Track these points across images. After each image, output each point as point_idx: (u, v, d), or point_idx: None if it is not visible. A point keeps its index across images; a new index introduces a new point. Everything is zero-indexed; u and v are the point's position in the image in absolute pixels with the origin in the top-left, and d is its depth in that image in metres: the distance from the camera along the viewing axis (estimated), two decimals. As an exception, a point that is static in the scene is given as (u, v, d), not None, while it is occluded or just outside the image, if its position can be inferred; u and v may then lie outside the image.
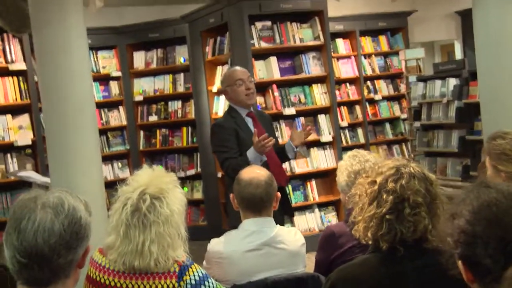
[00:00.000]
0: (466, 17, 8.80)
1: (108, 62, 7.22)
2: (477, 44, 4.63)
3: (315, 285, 2.49)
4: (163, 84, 7.24)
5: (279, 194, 2.66)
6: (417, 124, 7.19)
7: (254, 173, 2.64)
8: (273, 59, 6.04)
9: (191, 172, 7.08)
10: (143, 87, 7.28)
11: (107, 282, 2.28)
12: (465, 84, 6.32)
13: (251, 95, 3.95)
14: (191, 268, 2.29)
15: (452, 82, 6.60)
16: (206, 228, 6.56)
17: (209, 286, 2.27)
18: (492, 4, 4.41)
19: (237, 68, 4.16)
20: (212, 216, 6.68)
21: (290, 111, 5.99)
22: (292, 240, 2.60)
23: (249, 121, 3.97)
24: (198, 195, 7.05)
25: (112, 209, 2.37)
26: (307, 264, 2.74)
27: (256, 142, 3.68)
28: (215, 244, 2.60)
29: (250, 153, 3.74)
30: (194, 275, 2.26)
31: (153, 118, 7.25)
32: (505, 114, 4.37)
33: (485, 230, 1.23)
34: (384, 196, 1.80)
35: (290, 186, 5.95)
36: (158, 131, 7.26)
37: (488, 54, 4.50)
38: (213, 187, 6.61)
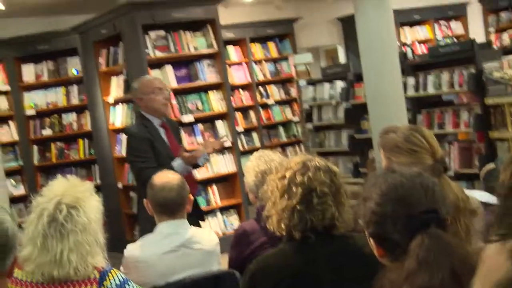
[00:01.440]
0: (347, 23, 9.33)
1: (-6, 76, 6.94)
2: (361, 48, 4.99)
3: (232, 281, 2.62)
4: (56, 96, 7.07)
5: (191, 196, 2.77)
6: (309, 125, 7.52)
7: (167, 177, 2.72)
8: (168, 68, 6.10)
9: (90, 184, 6.95)
10: (35, 100, 7.06)
11: (27, 295, 2.27)
12: (351, 86, 6.72)
13: (167, 105, 3.98)
14: (111, 273, 2.33)
15: (339, 84, 6.99)
16: (108, 240, 6.45)
17: (130, 289, 2.33)
18: (371, 10, 4.77)
19: (153, 77, 4.20)
20: (114, 227, 6.60)
21: (188, 118, 6.08)
22: (207, 240, 2.71)
23: (162, 131, 3.98)
24: (98, 207, 6.93)
25: (27, 220, 2.37)
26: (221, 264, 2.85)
27: (188, 156, 3.78)
28: (132, 249, 2.65)
29: (179, 165, 3.78)
30: (114, 280, 2.31)
31: (47, 132, 7.05)
32: (389, 112, 4.75)
33: (393, 209, 1.41)
34: (294, 189, 1.96)
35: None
36: (53, 144, 7.07)
37: (371, 57, 4.87)
38: (114, 198, 6.55)
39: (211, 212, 6.25)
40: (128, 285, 2.35)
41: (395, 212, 1.41)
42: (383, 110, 4.83)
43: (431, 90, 5.92)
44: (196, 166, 4.09)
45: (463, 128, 5.73)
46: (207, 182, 6.28)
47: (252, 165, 2.87)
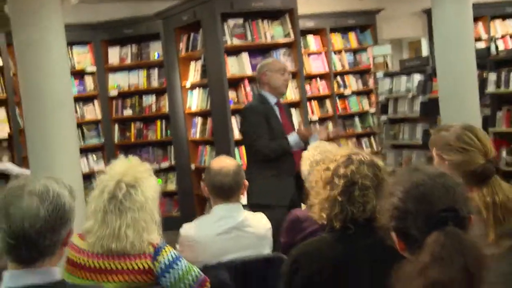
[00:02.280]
0: (431, 15, 9.09)
1: (82, 57, 7.34)
2: (436, 42, 4.90)
3: (280, 265, 2.70)
4: (138, 79, 7.40)
5: (246, 182, 2.87)
6: (384, 118, 7.45)
7: (224, 162, 2.84)
8: (245, 56, 6.22)
9: (165, 164, 7.25)
10: (118, 82, 7.42)
11: (87, 263, 2.46)
12: (429, 79, 6.59)
13: (287, 85, 4.36)
14: (165, 249, 2.49)
15: (417, 78, 6.87)
16: (179, 219, 6.72)
17: (181, 266, 2.47)
18: (449, 3, 4.66)
19: (280, 59, 4.49)
20: (186, 207, 6.86)
21: (261, 105, 6.19)
22: (259, 224, 2.82)
23: (277, 110, 4.30)
24: (171, 186, 7.23)
25: (90, 196, 2.56)
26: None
27: (304, 132, 4.13)
28: (188, 229, 2.80)
29: (294, 139, 4.09)
30: (167, 256, 2.47)
31: (128, 112, 7.40)
32: (462, 109, 4.65)
33: (414, 206, 1.46)
34: (337, 180, 2.02)
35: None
36: (132, 124, 7.42)
37: (447, 52, 4.77)
38: (187, 179, 6.80)
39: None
40: (180, 261, 2.49)
41: (416, 209, 1.45)
42: (456, 106, 4.74)
43: (513, 87, 5.72)
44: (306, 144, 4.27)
45: (544, 128, 5.51)
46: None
47: (308, 155, 2.95)
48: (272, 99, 4.30)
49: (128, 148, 7.42)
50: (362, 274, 2.00)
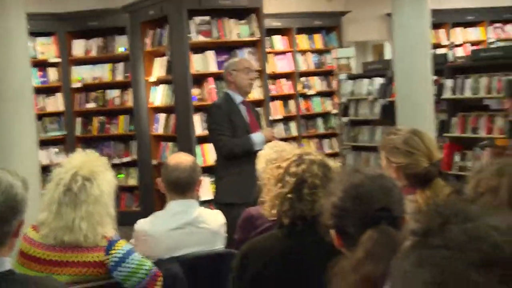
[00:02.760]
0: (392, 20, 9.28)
1: (46, 48, 7.28)
2: (395, 46, 5.03)
3: (232, 260, 2.77)
4: (102, 72, 7.37)
5: (202, 178, 2.92)
6: (345, 119, 7.58)
7: (180, 158, 2.89)
8: (210, 53, 6.26)
9: (127, 159, 7.25)
10: (82, 74, 7.37)
11: (39, 255, 2.49)
12: (389, 83, 6.74)
13: (252, 85, 4.46)
14: (118, 243, 2.53)
15: (379, 81, 7.02)
16: (140, 214, 6.70)
17: (133, 260, 2.52)
18: (408, 8, 4.80)
19: (245, 58, 4.53)
20: (146, 202, 6.87)
21: (224, 103, 6.23)
22: (213, 220, 2.87)
23: (243, 109, 4.37)
24: (133, 181, 7.23)
25: (46, 188, 2.58)
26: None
27: (268, 134, 4.23)
28: (142, 223, 2.84)
29: (258, 136, 4.17)
30: (121, 249, 2.51)
31: (91, 105, 7.37)
32: (417, 113, 4.78)
33: (352, 205, 1.54)
34: (287, 178, 2.09)
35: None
36: (95, 118, 7.39)
37: (405, 56, 4.91)
38: (148, 174, 6.81)
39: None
40: (133, 255, 2.54)
41: (353, 208, 1.53)
42: (411, 110, 4.87)
43: (468, 93, 5.90)
44: None
45: (496, 134, 5.70)
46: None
47: (264, 153, 3.02)
48: (238, 98, 4.37)
49: (89, 142, 7.38)
50: (308, 269, 2.07)
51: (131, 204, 7.28)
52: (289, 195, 2.09)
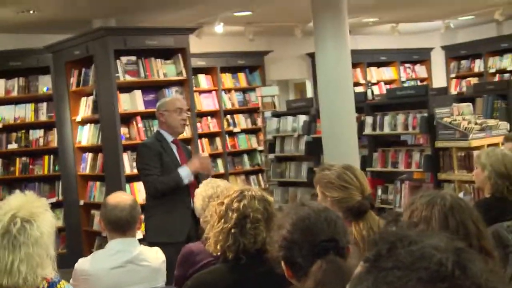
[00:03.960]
0: (315, 59, 9.69)
1: (-36, 87, 7.06)
2: (319, 85, 5.28)
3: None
4: (25, 112, 7.21)
5: (142, 216, 2.96)
6: (271, 156, 7.77)
7: (120, 198, 2.92)
8: (137, 92, 6.29)
9: (52, 200, 7.05)
10: (3, 114, 7.18)
11: (-24, 301, 2.43)
12: (313, 120, 7.00)
13: (185, 125, 4.52)
14: (59, 284, 2.51)
15: (302, 118, 7.27)
16: (66, 256, 6.57)
17: (76, 300, 2.50)
18: (330, 49, 5.07)
19: (179, 97, 4.70)
20: (73, 243, 6.72)
21: (153, 142, 6.26)
22: (154, 258, 2.91)
23: (174, 147, 4.41)
24: (58, 223, 7.04)
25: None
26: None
27: (198, 162, 4.27)
28: (82, 263, 2.83)
29: (183, 170, 4.19)
30: (62, 290, 2.49)
31: (13, 146, 7.17)
32: (342, 149, 5.02)
33: (300, 237, 1.65)
34: (230, 214, 2.19)
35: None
36: (18, 159, 7.19)
37: (328, 95, 5.16)
38: (75, 215, 6.67)
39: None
40: (75, 296, 2.52)
41: (301, 239, 1.64)
42: (336, 146, 5.11)
43: (387, 130, 6.23)
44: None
45: (414, 168, 6.03)
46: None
47: (200, 191, 3.10)
48: (169, 137, 4.44)
49: (12, 183, 7.15)
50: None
51: (57, 246, 7.06)
52: (232, 230, 2.18)
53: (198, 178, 4.39)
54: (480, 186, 3.62)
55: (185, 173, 4.22)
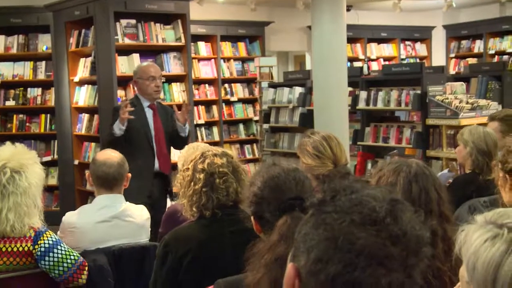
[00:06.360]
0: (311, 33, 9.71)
1: (-36, 42, 7.10)
2: (314, 58, 5.33)
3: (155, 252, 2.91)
4: (23, 70, 7.26)
5: (129, 174, 3.06)
6: (266, 126, 7.85)
7: (108, 155, 3.02)
8: (135, 56, 6.34)
9: (47, 158, 7.17)
10: (2, 71, 7.24)
11: (-33, 245, 2.54)
12: (309, 92, 7.06)
13: (158, 92, 4.60)
14: (46, 234, 2.62)
15: (298, 90, 7.32)
16: (58, 213, 6.67)
17: (61, 250, 2.62)
18: (326, 23, 5.12)
19: (152, 64, 4.74)
20: (66, 202, 6.84)
21: (149, 105, 6.34)
22: (138, 215, 3.01)
23: (149, 112, 4.56)
24: (52, 181, 7.17)
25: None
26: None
27: (180, 114, 4.42)
28: (70, 216, 2.94)
29: (116, 123, 4.30)
30: (48, 240, 2.60)
31: (10, 103, 7.24)
32: (332, 122, 5.10)
33: (269, 194, 1.75)
34: (197, 175, 2.29)
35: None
36: (15, 116, 7.27)
37: (322, 68, 5.22)
38: (69, 174, 6.79)
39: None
40: (61, 246, 2.64)
41: (270, 196, 1.74)
42: (327, 119, 5.18)
43: (380, 105, 6.30)
44: (181, 140, 4.55)
45: (404, 144, 6.12)
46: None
47: (182, 153, 3.20)
48: (146, 102, 4.60)
49: (8, 139, 7.16)
50: (225, 256, 2.26)
51: (50, 203, 7.21)
52: (203, 189, 2.28)
53: (177, 132, 4.56)
54: (462, 162, 3.71)
55: (116, 125, 4.32)
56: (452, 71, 10.22)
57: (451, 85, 5.95)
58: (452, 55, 10.73)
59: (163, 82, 6.48)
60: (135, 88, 4.77)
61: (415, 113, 6.48)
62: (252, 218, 1.81)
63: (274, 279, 1.50)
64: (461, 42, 10.64)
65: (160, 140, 4.55)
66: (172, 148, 4.81)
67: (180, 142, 4.56)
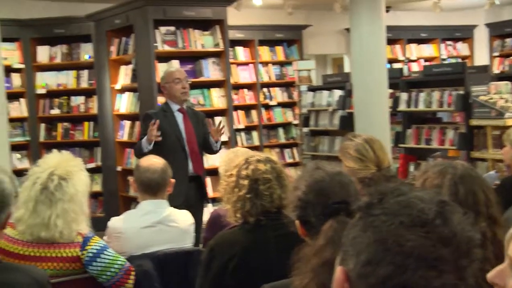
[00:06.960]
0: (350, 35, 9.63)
1: (10, 54, 7.29)
2: (352, 61, 5.30)
3: (199, 257, 2.94)
4: (67, 79, 7.44)
5: (173, 180, 3.09)
6: (306, 129, 7.84)
7: (152, 161, 3.06)
8: (175, 62, 6.41)
9: (91, 165, 7.31)
10: (46, 80, 7.42)
11: (17, 251, 2.60)
12: (348, 95, 7.02)
13: (185, 93, 4.65)
14: (93, 239, 2.67)
15: (338, 93, 7.29)
16: (103, 219, 6.79)
17: (108, 255, 2.66)
18: (365, 25, 5.07)
19: (176, 68, 4.86)
20: (110, 208, 6.96)
21: (189, 111, 6.40)
22: (182, 220, 3.04)
23: (179, 116, 4.63)
24: (97, 187, 7.30)
25: (22, 187, 2.70)
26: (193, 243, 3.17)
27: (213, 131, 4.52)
28: (115, 221, 2.98)
29: (143, 141, 4.37)
30: (95, 245, 2.65)
31: (55, 112, 7.42)
32: (373, 124, 5.04)
33: (314, 198, 1.74)
34: (241, 182, 2.29)
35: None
36: (59, 124, 7.44)
37: (361, 70, 5.18)
38: (113, 180, 6.90)
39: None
40: (107, 251, 2.68)
41: (315, 201, 1.74)
42: (367, 122, 5.14)
43: (421, 106, 6.21)
44: (211, 151, 4.73)
45: (447, 145, 6.02)
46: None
47: (223, 158, 3.22)
48: (175, 107, 4.67)
49: (54, 147, 7.37)
50: (271, 262, 2.26)
51: (95, 209, 7.35)
52: (248, 196, 2.28)
53: (209, 143, 4.63)
54: (509, 163, 3.63)
55: (143, 142, 4.38)
56: (496, 70, 9.99)
57: (496, 85, 5.82)
58: (496, 54, 10.49)
59: (202, 88, 6.59)
60: (164, 94, 4.85)
61: (458, 114, 6.37)
62: (297, 222, 1.81)
63: (321, 283, 1.49)
64: (505, 40, 10.39)
65: (192, 143, 4.63)
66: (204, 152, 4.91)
67: (211, 152, 4.78)
